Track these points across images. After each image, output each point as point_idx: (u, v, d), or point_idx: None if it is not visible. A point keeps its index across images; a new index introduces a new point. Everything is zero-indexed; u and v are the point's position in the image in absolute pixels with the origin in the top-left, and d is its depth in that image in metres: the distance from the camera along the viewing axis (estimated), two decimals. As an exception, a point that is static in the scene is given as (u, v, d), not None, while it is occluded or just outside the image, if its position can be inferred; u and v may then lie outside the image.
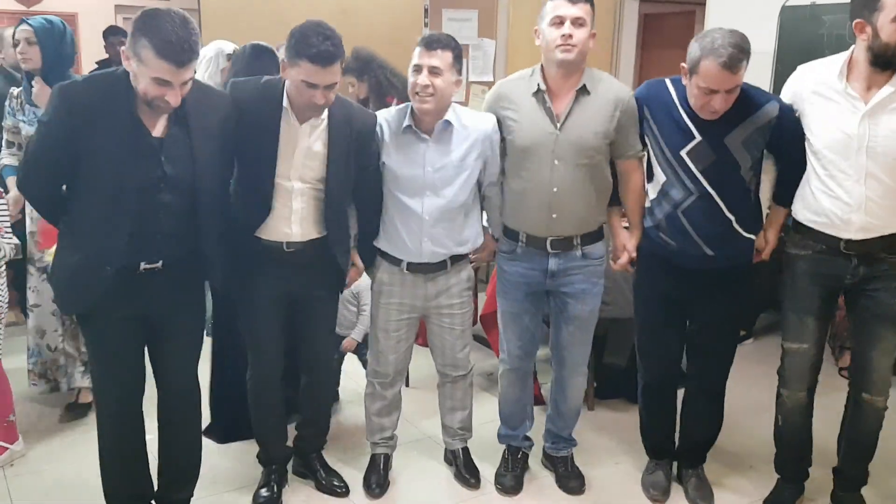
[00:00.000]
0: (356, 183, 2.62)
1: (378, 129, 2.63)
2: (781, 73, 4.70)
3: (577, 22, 2.48)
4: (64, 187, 2.25)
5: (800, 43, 4.55)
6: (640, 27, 6.60)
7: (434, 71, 2.49)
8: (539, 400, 3.52)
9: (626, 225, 2.79)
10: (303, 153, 2.49)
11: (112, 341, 2.33)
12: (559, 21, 2.49)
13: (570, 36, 2.48)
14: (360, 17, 5.30)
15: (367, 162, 2.61)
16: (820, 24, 4.50)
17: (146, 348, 2.44)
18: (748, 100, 2.49)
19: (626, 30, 6.44)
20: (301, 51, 2.30)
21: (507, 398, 2.98)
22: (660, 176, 2.61)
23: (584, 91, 2.55)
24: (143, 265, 2.26)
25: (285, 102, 2.45)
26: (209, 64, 3.97)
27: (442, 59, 2.49)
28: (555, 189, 2.59)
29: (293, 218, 2.52)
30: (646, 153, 2.66)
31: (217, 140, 2.33)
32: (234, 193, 2.52)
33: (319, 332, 2.77)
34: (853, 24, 2.38)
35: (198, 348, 2.56)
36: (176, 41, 2.02)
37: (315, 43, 2.28)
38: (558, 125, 2.56)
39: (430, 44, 2.50)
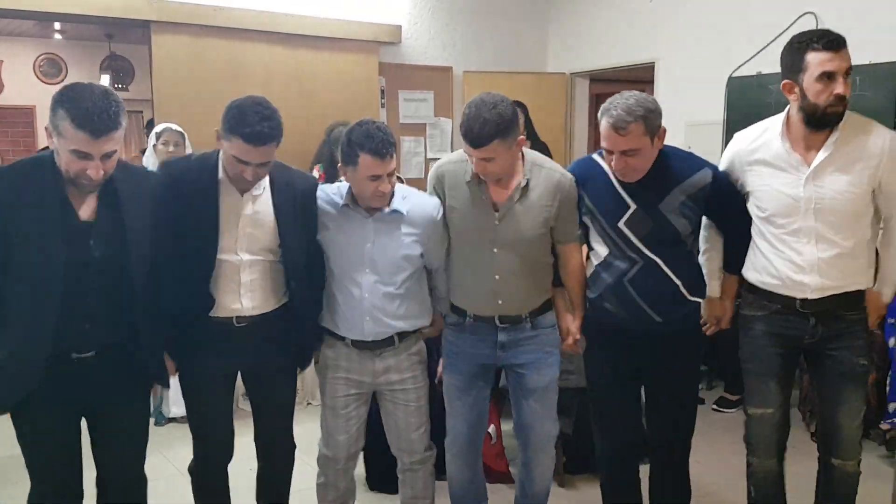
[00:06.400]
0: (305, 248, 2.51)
1: (319, 203, 2.55)
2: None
3: (485, 160, 2.40)
4: None
5: (748, 111, 4.67)
6: (592, 106, 6.76)
7: (391, 175, 2.43)
8: (507, 478, 3.39)
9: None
10: (248, 223, 2.40)
11: (45, 436, 2.19)
12: (471, 155, 2.44)
13: (485, 169, 2.43)
14: (316, 96, 5.33)
15: (311, 223, 2.52)
16: (767, 93, 4.64)
17: (91, 441, 2.31)
18: (680, 167, 2.48)
19: (578, 108, 6.60)
20: (235, 128, 2.23)
21: (457, 482, 2.81)
22: (601, 250, 2.57)
23: (526, 185, 2.51)
24: (73, 355, 2.15)
25: (221, 174, 2.38)
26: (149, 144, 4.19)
27: (394, 160, 2.43)
28: (497, 277, 2.54)
29: (242, 291, 2.42)
30: (583, 232, 2.63)
31: (149, 221, 2.24)
32: (174, 275, 2.38)
33: (275, 413, 2.63)
34: (782, 84, 2.41)
35: (143, 439, 2.40)
36: (93, 110, 1.97)
37: (251, 122, 2.22)
38: (497, 216, 2.51)
39: (381, 152, 2.37)
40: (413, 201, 2.54)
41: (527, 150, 2.56)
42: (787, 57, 2.38)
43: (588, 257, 2.67)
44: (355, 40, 5.49)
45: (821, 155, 2.37)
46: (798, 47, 2.34)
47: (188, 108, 4.78)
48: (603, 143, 2.42)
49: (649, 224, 2.46)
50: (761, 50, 4.73)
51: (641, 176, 2.45)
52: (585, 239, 2.66)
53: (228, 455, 2.61)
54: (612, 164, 2.43)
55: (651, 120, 2.36)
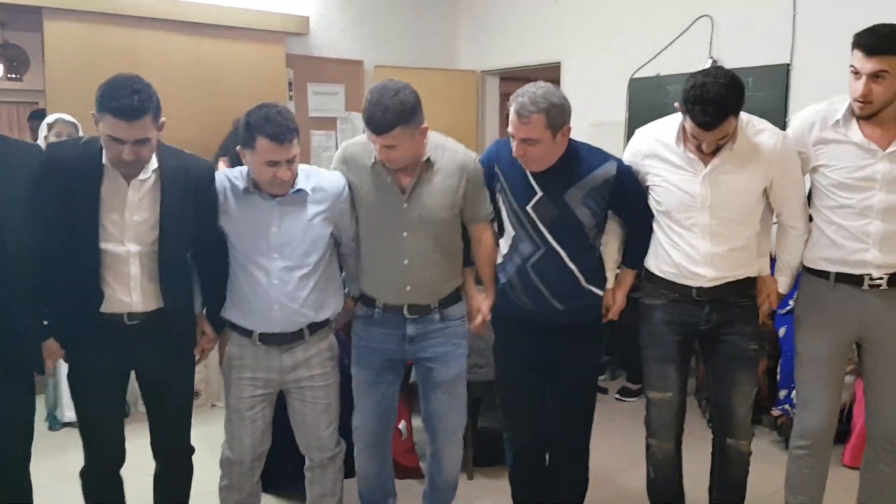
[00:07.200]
0: (199, 238, 2.42)
1: (219, 187, 2.46)
2: (634, 139, 4.95)
3: (389, 147, 2.38)
4: None
5: (648, 110, 4.80)
6: (503, 104, 6.84)
7: (291, 161, 2.37)
8: (417, 473, 3.39)
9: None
10: (134, 211, 2.30)
11: None
12: (374, 142, 2.41)
13: (388, 156, 2.41)
14: (220, 87, 5.17)
15: (208, 211, 2.42)
16: (664, 94, 4.79)
17: None
18: (586, 160, 2.54)
19: (488, 106, 6.67)
20: (105, 104, 2.14)
21: (366, 475, 2.80)
22: (510, 230, 2.61)
23: (428, 163, 2.51)
24: None
25: (105, 159, 2.26)
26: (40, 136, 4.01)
27: (295, 147, 2.36)
28: (406, 262, 2.53)
29: (132, 285, 2.31)
30: (495, 211, 2.65)
31: (26, 196, 2.14)
32: (60, 265, 2.28)
33: (173, 414, 2.53)
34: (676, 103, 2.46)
35: (27, 441, 2.30)
36: None
37: (120, 96, 2.13)
38: (404, 199, 2.50)
39: (280, 137, 2.29)
40: (317, 179, 2.48)
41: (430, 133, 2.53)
42: None
43: (499, 244, 2.69)
44: (260, 30, 5.35)
45: (719, 156, 2.46)
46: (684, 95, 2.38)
47: (83, 98, 4.42)
48: (508, 128, 2.46)
49: (554, 212, 2.51)
50: (660, 52, 4.88)
51: (541, 168, 2.50)
52: (499, 221, 2.67)
53: (120, 459, 2.50)
54: (514, 150, 2.47)
55: (554, 115, 2.39)
